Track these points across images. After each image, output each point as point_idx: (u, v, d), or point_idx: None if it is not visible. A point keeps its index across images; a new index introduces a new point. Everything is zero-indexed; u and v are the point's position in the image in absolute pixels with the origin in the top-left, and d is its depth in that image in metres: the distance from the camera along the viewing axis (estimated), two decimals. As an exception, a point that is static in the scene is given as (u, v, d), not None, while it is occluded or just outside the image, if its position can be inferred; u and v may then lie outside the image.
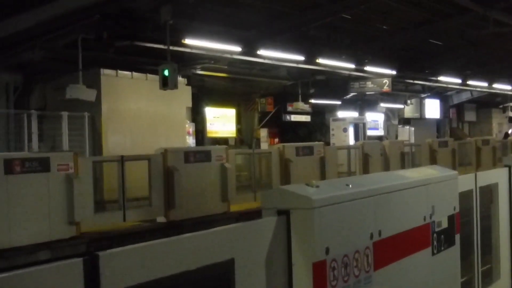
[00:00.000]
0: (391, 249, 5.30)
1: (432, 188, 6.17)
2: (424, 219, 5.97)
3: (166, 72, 18.10)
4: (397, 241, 5.42)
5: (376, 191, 5.16)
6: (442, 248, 6.32)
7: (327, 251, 4.42)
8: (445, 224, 6.38)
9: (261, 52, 23.08)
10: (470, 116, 51.98)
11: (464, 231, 7.30)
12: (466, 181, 7.64)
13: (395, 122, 43.05)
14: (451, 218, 6.53)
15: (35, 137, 17.95)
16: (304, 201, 4.34)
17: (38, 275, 2.85)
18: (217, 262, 3.81)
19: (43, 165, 11.72)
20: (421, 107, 44.06)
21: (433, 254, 6.14)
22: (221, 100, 30.96)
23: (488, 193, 8.54)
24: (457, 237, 6.73)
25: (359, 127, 36.12)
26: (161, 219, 14.34)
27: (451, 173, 6.86)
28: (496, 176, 8.79)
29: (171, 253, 3.51)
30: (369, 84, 33.01)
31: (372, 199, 5.08)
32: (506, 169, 8.82)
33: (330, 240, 4.47)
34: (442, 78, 36.30)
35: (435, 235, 6.16)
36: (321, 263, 4.37)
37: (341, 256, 4.59)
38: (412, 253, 5.71)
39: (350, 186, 5.01)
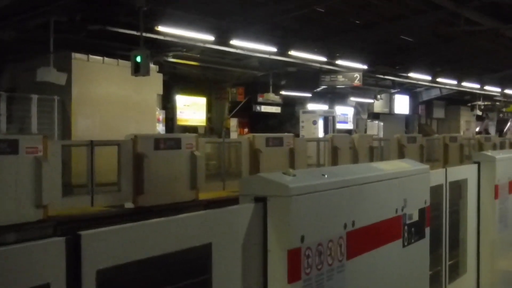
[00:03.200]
0: (363, 239, 5.36)
1: (405, 181, 6.25)
2: (396, 211, 6.04)
3: (138, 59, 18.07)
4: (370, 232, 5.48)
5: (351, 182, 5.22)
6: (413, 240, 6.41)
7: (302, 239, 4.46)
8: (416, 217, 6.46)
9: (234, 41, 23.10)
10: (438, 113, 52.43)
11: (433, 225, 7.39)
12: (437, 176, 7.73)
13: (365, 116, 43.34)
14: (422, 211, 6.62)
15: (3, 119, 17.83)
16: (282, 189, 4.38)
17: (18, 253, 2.85)
18: (196, 246, 3.84)
19: (12, 147, 11.69)
20: (390, 102, 44.43)
21: (403, 246, 6.22)
22: (192, 88, 30.98)
23: (458, 188, 8.65)
24: (427, 230, 6.82)
25: (329, 120, 36.27)
26: (129, 204, 14.34)
27: (423, 167, 6.94)
28: (465, 172, 8.90)
29: (151, 236, 3.53)
30: (340, 77, 33.15)
31: (347, 189, 5.14)
32: (476, 165, 8.95)
33: (306, 228, 4.51)
34: (412, 75, 36.57)
35: (406, 227, 6.24)
36: (296, 250, 4.41)
37: (316, 244, 4.63)
38: (384, 244, 5.78)
39: (326, 176, 5.06)
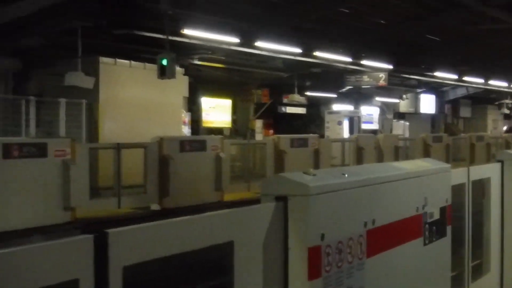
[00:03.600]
0: (384, 237, 5.45)
1: (425, 180, 6.33)
2: (417, 210, 6.12)
3: (164, 62, 18.25)
4: (390, 230, 5.57)
5: (371, 181, 5.31)
6: (434, 238, 6.48)
7: (322, 237, 4.56)
8: (437, 216, 6.54)
9: (258, 43, 23.20)
10: (465, 112, 52.11)
11: (456, 223, 7.46)
12: (459, 175, 7.79)
13: (390, 116, 43.21)
14: (443, 210, 6.69)
15: (32, 123, 18.02)
16: (302, 188, 4.49)
17: (49, 250, 2.99)
18: (218, 244, 3.97)
19: (41, 151, 11.80)
20: (416, 102, 44.25)
21: (424, 244, 6.29)
22: (217, 90, 31.14)
23: (481, 187, 8.69)
24: (449, 228, 6.89)
25: (354, 121, 36.25)
26: (155, 206, 14.45)
27: (444, 166, 7.02)
28: (489, 170, 8.94)
29: (175, 234, 3.66)
30: (365, 78, 33.17)
31: (367, 188, 5.24)
32: (499, 164, 8.98)
33: (326, 227, 4.62)
34: (438, 74, 36.41)
35: (427, 225, 6.32)
36: (316, 248, 4.52)
37: (336, 242, 4.73)
38: (404, 242, 5.87)
39: (346, 175, 5.17)
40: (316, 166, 18.40)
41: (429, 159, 7.57)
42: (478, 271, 8.55)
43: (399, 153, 22.66)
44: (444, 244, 6.79)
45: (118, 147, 14.38)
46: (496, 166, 8.99)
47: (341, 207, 4.87)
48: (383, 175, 5.63)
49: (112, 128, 19.73)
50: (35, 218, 11.62)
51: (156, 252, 3.50)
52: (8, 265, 2.84)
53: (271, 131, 35.38)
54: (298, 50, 25.35)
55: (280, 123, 36.76)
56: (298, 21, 23.14)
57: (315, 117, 38.45)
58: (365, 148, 21.03)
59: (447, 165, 7.06)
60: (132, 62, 20.73)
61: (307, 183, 4.53)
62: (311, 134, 21.39)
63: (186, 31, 20.23)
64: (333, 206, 4.76)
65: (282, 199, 4.49)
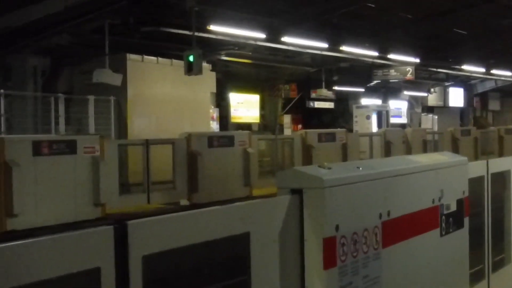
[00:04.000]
0: (399, 228, 5.58)
1: (442, 173, 6.44)
2: (433, 201, 6.24)
3: (191, 58, 18.40)
4: (406, 221, 5.70)
5: (385, 174, 5.45)
6: (451, 230, 6.60)
7: (337, 228, 4.72)
8: (453, 207, 6.65)
9: (285, 39, 23.28)
10: (494, 105, 51.79)
11: (476, 215, 7.56)
12: (477, 168, 7.89)
13: (419, 110, 43.08)
14: (460, 202, 6.80)
15: (62, 120, 18.19)
16: (316, 181, 4.65)
17: (71, 240, 3.18)
18: (234, 235, 4.14)
19: (70, 148, 11.94)
20: (444, 95, 44.08)
21: (441, 235, 6.42)
22: (245, 86, 31.25)
23: (502, 179, 8.77)
24: (466, 220, 6.99)
25: (382, 115, 36.26)
26: (184, 202, 14.59)
27: (461, 159, 7.12)
28: (508, 163, 9.01)
29: (192, 225, 3.84)
30: (392, 72, 33.14)
31: (382, 181, 5.37)
32: (519, 156, 9.05)
33: (340, 218, 4.77)
34: (465, 67, 36.27)
35: (443, 217, 6.43)
36: (331, 239, 4.67)
37: (351, 233, 4.88)
38: (421, 233, 5.99)
39: (361, 168, 5.31)
40: (344, 160, 18.43)
41: (447, 152, 7.68)
42: (499, 261, 8.63)
43: (427, 147, 22.63)
44: (462, 235, 6.91)
45: (146, 144, 14.52)
46: (516, 159, 9.06)
47: (356, 199, 5.02)
48: (397, 168, 5.77)
49: (140, 124, 19.91)
50: (66, 214, 11.76)
51: (174, 243, 3.67)
52: (33, 254, 3.03)
53: (300, 126, 35.47)
54: (325, 45, 25.39)
55: (308, 118, 36.84)
56: (325, 16, 23.18)
57: (343, 111, 38.49)
58: (393, 142, 21.05)
59: (464, 158, 7.17)
60: (159, 58, 20.90)
61: (321, 176, 4.69)
62: (338, 129, 21.43)
63: (213, 27, 20.37)
64: (347, 198, 4.91)
65: (297, 192, 4.65)
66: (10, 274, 2.95)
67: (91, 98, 18.55)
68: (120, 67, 19.34)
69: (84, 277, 3.20)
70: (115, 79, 18.80)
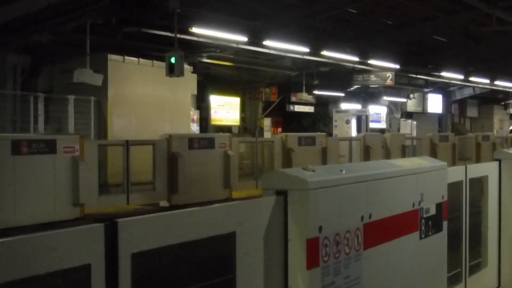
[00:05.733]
0: (380, 231, 5.68)
1: (422, 177, 6.55)
2: (413, 205, 6.35)
3: (172, 59, 18.40)
4: (387, 224, 5.80)
5: (367, 177, 5.55)
6: (430, 233, 6.71)
7: (320, 229, 4.81)
8: (433, 211, 6.76)
9: (267, 42, 23.33)
10: (472, 111, 52.21)
11: (454, 219, 7.67)
12: (456, 173, 8.00)
13: (398, 115, 43.32)
14: (439, 206, 6.91)
15: (41, 119, 18.09)
16: (301, 183, 4.73)
17: (63, 237, 3.23)
18: (221, 234, 4.21)
19: (50, 147, 11.84)
20: (423, 101, 44.38)
21: (420, 238, 6.52)
22: (226, 88, 31.26)
23: (479, 185, 8.89)
24: (445, 223, 7.11)
25: (362, 119, 36.45)
26: (164, 203, 14.57)
27: (441, 164, 7.24)
28: (486, 169, 9.14)
29: (181, 224, 3.90)
30: (372, 77, 33.30)
31: (364, 184, 5.47)
32: (497, 162, 9.17)
33: (323, 220, 4.86)
34: (445, 74, 36.52)
35: (423, 220, 6.55)
36: (314, 239, 4.76)
37: (333, 234, 4.97)
38: (401, 236, 6.10)
39: (344, 171, 5.40)
40: (324, 164, 18.51)
41: (427, 157, 7.80)
42: (476, 265, 8.75)
43: (406, 152, 22.77)
44: (440, 238, 7.02)
45: (127, 144, 14.49)
46: (494, 165, 9.19)
47: (338, 201, 5.11)
48: (379, 172, 5.86)
49: (121, 125, 19.86)
50: (44, 214, 11.68)
51: (163, 241, 3.74)
52: (25, 250, 3.07)
53: (280, 129, 35.53)
54: (306, 49, 25.48)
55: (288, 121, 36.93)
56: (307, 20, 23.27)
57: (323, 115, 38.62)
58: (372, 146, 21.17)
59: (444, 163, 7.28)
60: (141, 59, 20.85)
61: (306, 178, 4.78)
62: (318, 133, 21.51)
63: (195, 29, 20.38)
64: (330, 200, 5.00)
65: (282, 193, 4.73)
66: (0, 270, 2.99)
67: (71, 97, 18.48)
68: (101, 67, 19.25)
69: (74, 274, 3.25)
70: (95, 79, 18.72)
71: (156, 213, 3.81)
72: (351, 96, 38.52)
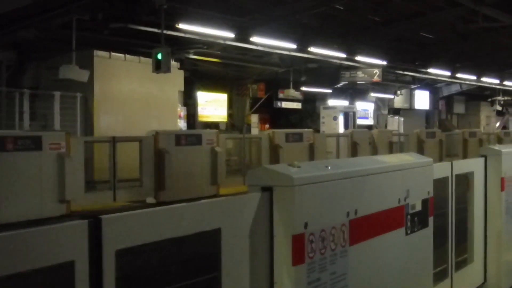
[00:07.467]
0: (366, 227, 5.69)
1: (408, 173, 6.57)
2: (399, 201, 6.36)
3: (159, 56, 18.35)
4: (372, 220, 5.81)
5: (353, 173, 5.55)
6: (416, 229, 6.72)
7: (306, 225, 4.81)
8: (419, 207, 6.78)
9: (254, 38, 23.29)
10: (459, 108, 52.35)
11: (440, 215, 7.69)
12: (442, 169, 8.02)
13: (385, 112, 43.39)
14: (425, 202, 6.92)
15: (26, 116, 18.01)
16: (286, 179, 4.73)
17: (46, 234, 3.22)
18: (206, 231, 4.20)
19: (36, 144, 11.78)
20: (411, 98, 44.48)
21: (406, 234, 6.54)
22: (213, 84, 31.24)
23: (465, 181, 8.92)
24: (431, 219, 7.13)
25: (349, 116, 36.42)
26: (150, 200, 14.53)
27: (426, 160, 7.25)
28: (472, 165, 9.17)
29: (165, 220, 3.89)
30: (360, 73, 33.33)
31: (350, 180, 5.47)
32: (482, 158, 9.21)
33: (309, 216, 4.86)
34: (432, 70, 36.58)
35: (409, 216, 6.56)
36: (300, 236, 4.76)
37: (319, 230, 4.97)
38: (387, 231, 6.10)
39: (330, 167, 5.40)
40: (311, 160, 18.52)
41: (413, 153, 7.81)
42: (462, 260, 8.78)
43: (393, 148, 22.82)
44: (426, 235, 7.03)
45: (113, 141, 14.46)
46: (480, 161, 9.23)
47: (324, 197, 5.11)
48: (365, 167, 5.86)
49: (107, 121, 19.80)
50: (30, 211, 11.58)
51: (147, 238, 3.73)
52: (8, 247, 3.05)
53: (267, 126, 35.54)
54: (293, 45, 25.46)
55: (276, 118, 36.93)
56: (295, 17, 23.25)
57: (310, 112, 38.63)
58: (359, 143, 21.21)
59: (430, 159, 7.29)
60: (127, 55, 20.79)
61: (291, 174, 4.77)
62: (306, 129, 21.54)
63: (182, 26, 20.28)
64: (316, 196, 5.00)
65: (267, 190, 4.72)
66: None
67: (57, 94, 18.41)
68: (87, 63, 19.16)
69: (58, 270, 3.24)
70: (81, 76, 18.63)
71: (140, 210, 3.79)
72: (339, 93, 38.55)
